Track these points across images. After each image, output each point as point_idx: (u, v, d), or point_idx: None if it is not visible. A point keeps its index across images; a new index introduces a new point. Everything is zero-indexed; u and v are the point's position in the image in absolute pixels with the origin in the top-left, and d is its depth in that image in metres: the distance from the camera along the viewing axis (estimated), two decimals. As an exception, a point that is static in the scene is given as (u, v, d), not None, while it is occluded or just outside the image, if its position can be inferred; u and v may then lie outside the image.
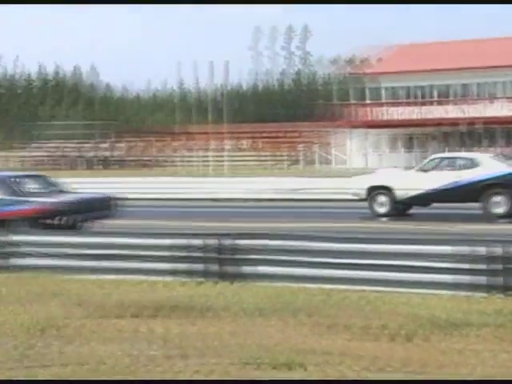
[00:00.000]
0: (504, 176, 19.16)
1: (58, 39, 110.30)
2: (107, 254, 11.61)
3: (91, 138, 56.90)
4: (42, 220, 15.53)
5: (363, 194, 20.48)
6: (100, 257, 11.60)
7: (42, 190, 16.95)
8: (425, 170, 20.02)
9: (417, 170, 20.46)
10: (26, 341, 7.62)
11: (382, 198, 20.10)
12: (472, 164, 19.73)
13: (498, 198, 19.02)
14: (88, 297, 9.86)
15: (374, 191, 20.22)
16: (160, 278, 11.03)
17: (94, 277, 11.23)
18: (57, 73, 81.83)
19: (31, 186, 17.00)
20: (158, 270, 11.26)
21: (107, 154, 54.65)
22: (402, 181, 20.16)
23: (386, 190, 20.07)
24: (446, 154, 25.06)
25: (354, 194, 21.09)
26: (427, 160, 21.01)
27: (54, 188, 17.39)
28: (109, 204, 17.26)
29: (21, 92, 78.77)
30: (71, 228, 15.63)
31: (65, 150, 54.69)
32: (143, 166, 49.84)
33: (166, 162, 50.98)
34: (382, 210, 20.08)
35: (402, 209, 20.33)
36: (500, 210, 19.01)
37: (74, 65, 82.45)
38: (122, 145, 56.54)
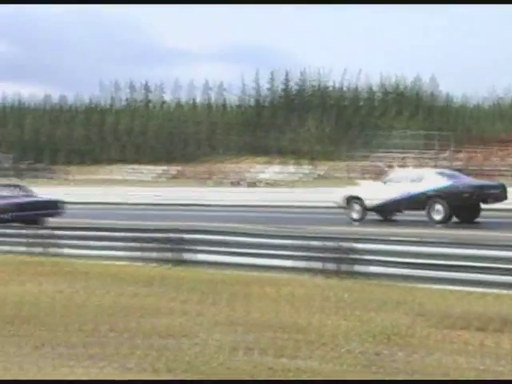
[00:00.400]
0: (442, 188, 22.47)
1: (400, 50, 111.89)
2: (450, 264, 11.51)
3: (431, 148, 56.82)
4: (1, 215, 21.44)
5: (342, 202, 24.59)
6: (443, 267, 11.54)
7: (10, 194, 23.22)
8: (387, 183, 23.85)
9: (382, 183, 24.25)
10: (373, 348, 7.77)
11: (356, 206, 24.19)
12: (420, 178, 23.21)
13: (437, 207, 22.33)
14: (431, 307, 9.82)
15: (351, 200, 24.31)
16: (504, 292, 10.72)
17: (436, 287, 11.21)
18: (397, 84, 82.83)
19: (8, 192, 23.44)
20: (499, 283, 10.97)
21: (447, 163, 54.18)
22: (369, 192, 24.09)
23: (358, 199, 24.15)
24: (404, 170, 28.89)
25: (335, 203, 25.13)
26: (389, 174, 24.75)
27: (23, 194, 23.63)
28: (56, 206, 23.04)
29: (363, 104, 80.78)
30: (27, 223, 20.26)
31: (404, 160, 55.17)
32: (484, 175, 48.71)
33: (508, 171, 49.41)
34: (356, 216, 24.09)
35: (387, 215, 24.22)
36: (439, 216, 22.29)
37: (414, 75, 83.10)
38: (462, 155, 55.77)
